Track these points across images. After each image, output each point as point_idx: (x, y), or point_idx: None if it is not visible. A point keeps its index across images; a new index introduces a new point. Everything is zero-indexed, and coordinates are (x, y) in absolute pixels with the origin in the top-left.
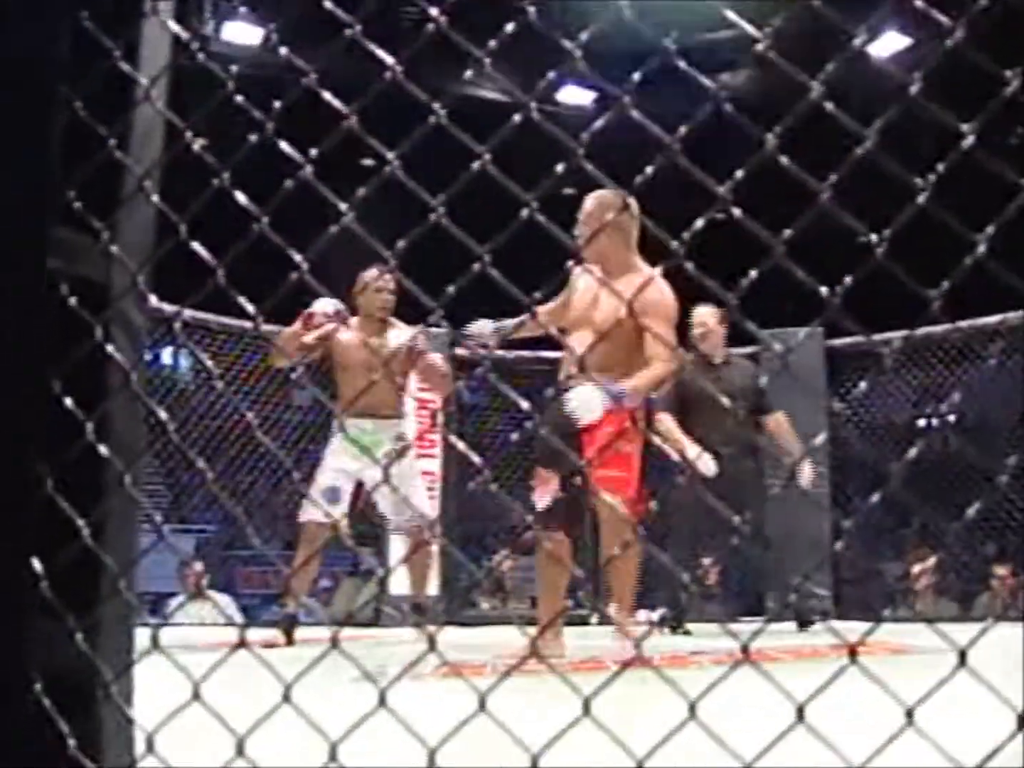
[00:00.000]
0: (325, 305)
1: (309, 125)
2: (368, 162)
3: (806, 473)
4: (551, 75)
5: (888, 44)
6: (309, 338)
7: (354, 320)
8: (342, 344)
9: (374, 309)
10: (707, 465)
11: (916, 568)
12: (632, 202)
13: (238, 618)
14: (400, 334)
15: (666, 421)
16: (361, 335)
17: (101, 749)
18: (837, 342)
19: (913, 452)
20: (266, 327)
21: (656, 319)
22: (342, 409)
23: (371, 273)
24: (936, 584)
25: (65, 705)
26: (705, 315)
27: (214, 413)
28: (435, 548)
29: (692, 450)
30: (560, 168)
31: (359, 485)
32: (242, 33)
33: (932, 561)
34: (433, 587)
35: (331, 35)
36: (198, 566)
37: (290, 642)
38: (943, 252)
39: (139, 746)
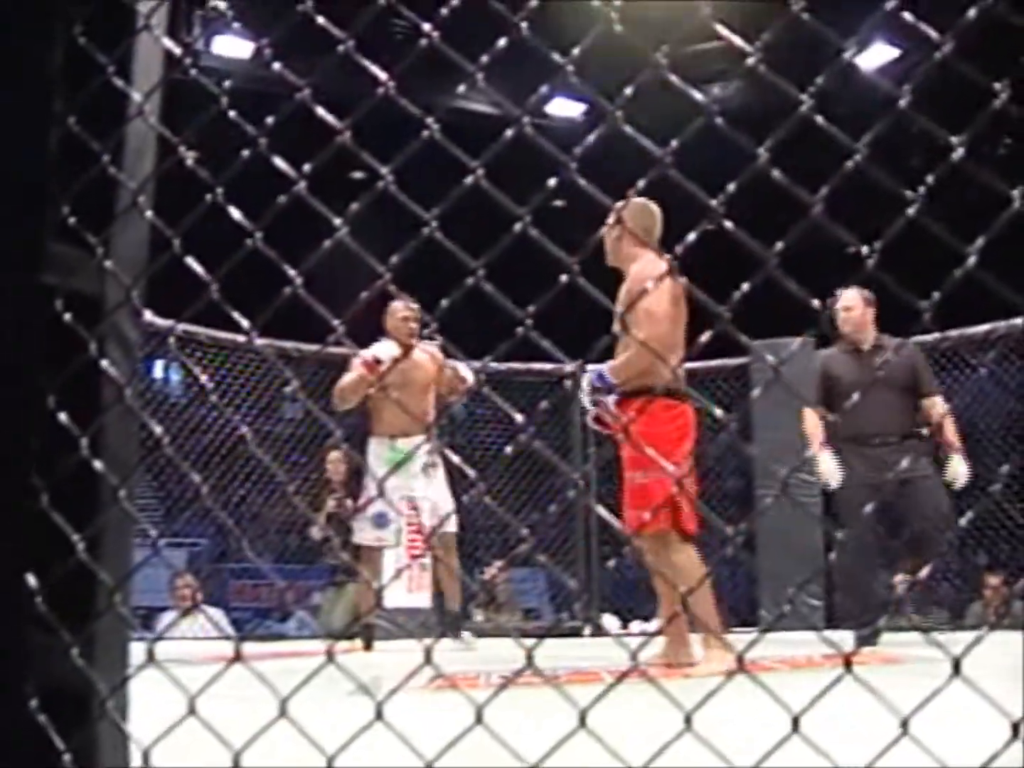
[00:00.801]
0: (382, 351)
1: (299, 136)
2: (359, 175)
3: (962, 472)
4: (543, 90)
5: (876, 55)
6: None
7: (384, 345)
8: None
9: (402, 335)
10: (833, 476)
11: (897, 578)
12: (650, 206)
13: (229, 632)
14: (425, 352)
15: (809, 421)
16: (393, 359)
17: (96, 764)
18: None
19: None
20: (259, 341)
21: (644, 304)
22: (382, 431)
23: (399, 304)
24: (912, 593)
25: (60, 720)
26: (850, 298)
27: (205, 426)
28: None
29: (824, 463)
30: (552, 182)
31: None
32: (232, 47)
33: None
34: (425, 599)
35: (321, 45)
36: (190, 580)
37: (368, 648)
38: (935, 259)
39: (135, 760)
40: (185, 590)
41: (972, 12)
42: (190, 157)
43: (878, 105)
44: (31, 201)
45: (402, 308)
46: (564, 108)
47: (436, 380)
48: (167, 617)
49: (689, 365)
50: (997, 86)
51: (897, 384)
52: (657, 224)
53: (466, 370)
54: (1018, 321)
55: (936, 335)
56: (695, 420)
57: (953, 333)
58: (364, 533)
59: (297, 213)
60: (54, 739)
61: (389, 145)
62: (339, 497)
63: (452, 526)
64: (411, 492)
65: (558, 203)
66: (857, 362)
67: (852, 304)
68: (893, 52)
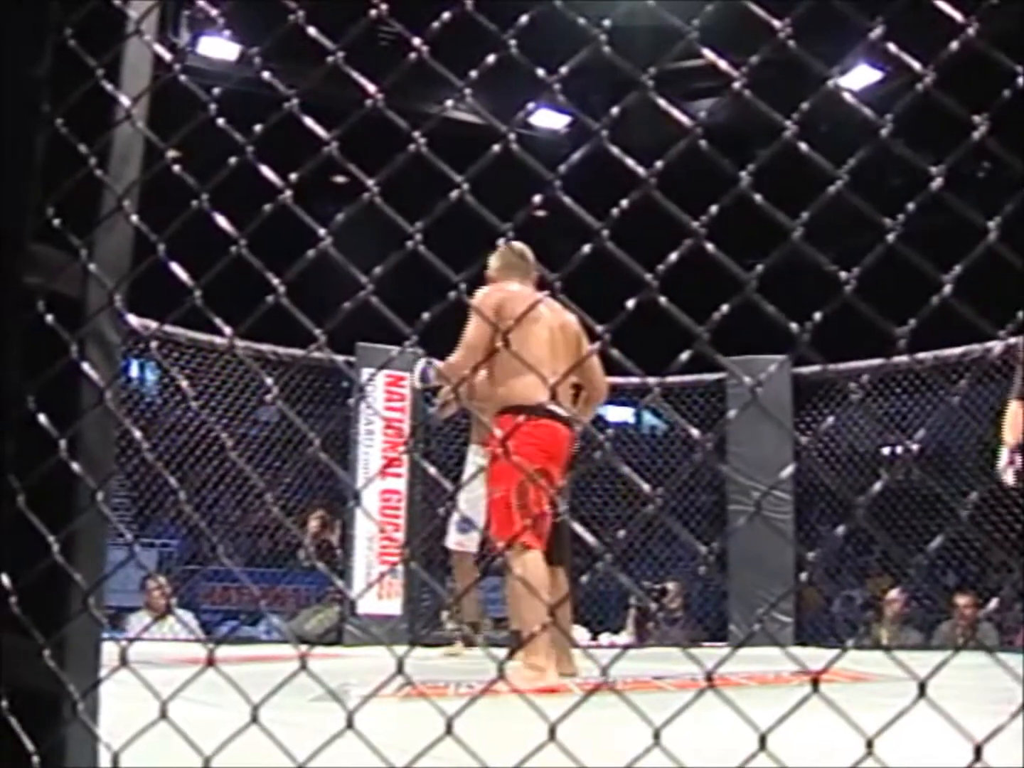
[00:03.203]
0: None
1: (282, 135)
2: (340, 179)
3: None
4: (530, 106)
5: (858, 78)
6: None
7: None
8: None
9: None
10: (1006, 474)
11: (893, 594)
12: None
13: (199, 635)
14: None
15: (1013, 410)
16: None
17: (66, 766)
18: (804, 370)
19: (878, 486)
20: (241, 343)
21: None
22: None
23: None
24: (903, 613)
25: (30, 721)
26: None
27: (180, 427)
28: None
29: (1002, 458)
30: (537, 199)
31: None
32: (218, 48)
33: (896, 593)
34: (396, 606)
35: (306, 48)
36: (162, 582)
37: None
38: (911, 279)
39: (104, 762)
40: (157, 592)
41: (954, 44)
42: (176, 164)
43: (859, 125)
44: (15, 202)
45: None
46: (548, 120)
47: None
48: (136, 617)
49: (671, 379)
50: (976, 119)
51: None
52: (517, 260)
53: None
54: (992, 344)
55: (909, 357)
56: (559, 438)
57: (927, 356)
58: (450, 537)
59: (279, 214)
60: (24, 740)
61: (372, 149)
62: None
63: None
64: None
65: (540, 213)
66: None
67: None
68: (875, 75)
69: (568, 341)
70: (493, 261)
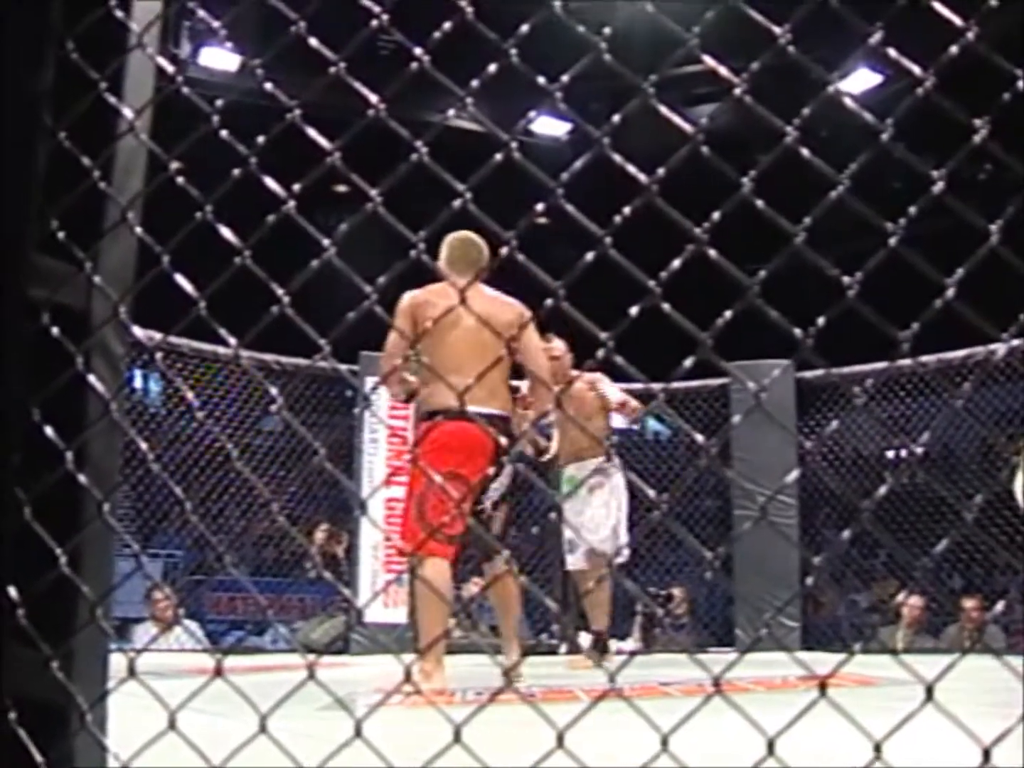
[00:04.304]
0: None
1: (284, 148)
2: (342, 188)
3: None
4: (532, 114)
5: (859, 82)
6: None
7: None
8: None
9: (556, 373)
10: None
11: (913, 600)
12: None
13: (206, 645)
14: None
15: None
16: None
17: None
18: (808, 374)
19: (883, 490)
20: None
21: None
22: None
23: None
24: (921, 619)
25: (39, 732)
26: None
27: (184, 437)
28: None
29: (1018, 481)
30: (540, 206)
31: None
32: (219, 58)
33: (916, 599)
34: (401, 614)
35: (307, 58)
36: (168, 593)
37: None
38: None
39: None
40: (164, 603)
41: (954, 48)
42: (180, 175)
43: (860, 129)
44: (20, 214)
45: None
46: (549, 127)
47: (601, 404)
48: (142, 628)
49: (675, 385)
50: (977, 122)
51: None
52: (464, 252)
53: (614, 392)
54: (995, 347)
55: (912, 361)
56: (469, 436)
57: (930, 359)
58: (567, 559)
59: (281, 224)
60: (32, 752)
61: (374, 158)
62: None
63: (604, 545)
64: (578, 516)
65: (542, 221)
66: None
67: None
68: (876, 78)
69: (497, 336)
70: (442, 252)
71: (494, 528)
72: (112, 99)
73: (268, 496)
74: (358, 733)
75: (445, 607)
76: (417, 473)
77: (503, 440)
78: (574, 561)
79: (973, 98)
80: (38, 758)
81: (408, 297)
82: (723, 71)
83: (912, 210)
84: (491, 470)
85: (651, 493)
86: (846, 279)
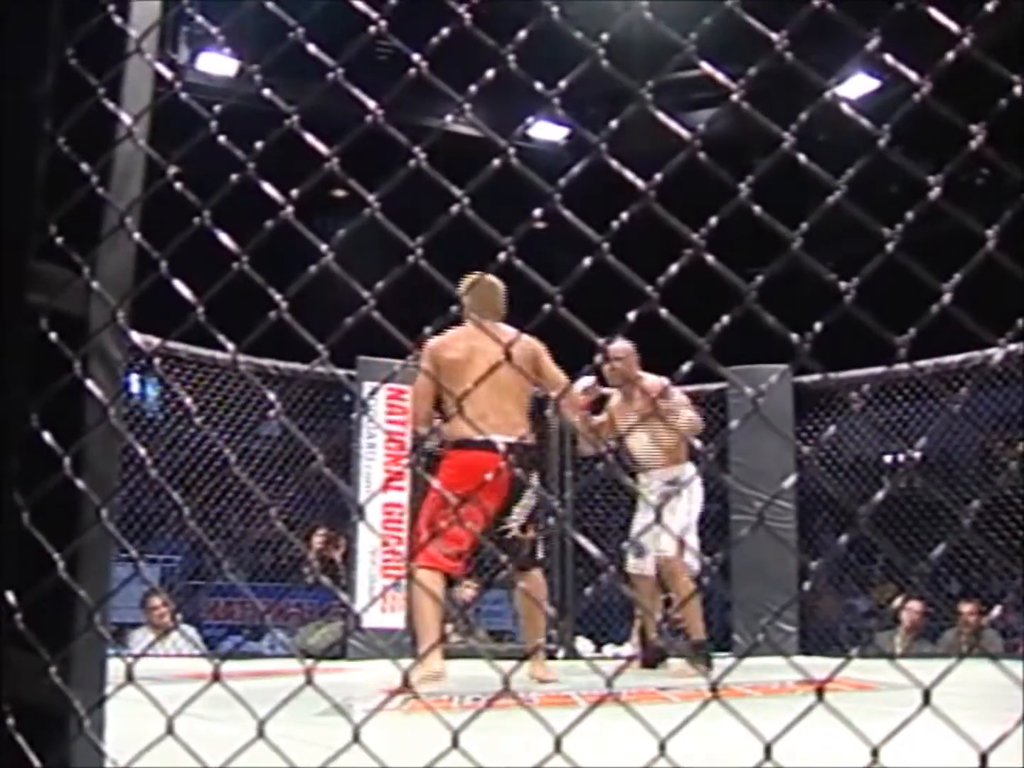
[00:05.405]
0: (586, 381)
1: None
2: (339, 193)
3: None
4: (529, 119)
5: (856, 87)
6: (597, 420)
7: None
8: (614, 411)
9: (614, 377)
10: None
11: (912, 604)
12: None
13: (203, 650)
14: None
15: None
16: (622, 400)
17: None
18: (805, 379)
19: (880, 495)
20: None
21: None
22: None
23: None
24: (920, 624)
25: (37, 738)
26: None
27: (182, 442)
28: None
29: None
30: (537, 212)
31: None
32: (217, 63)
33: (915, 603)
34: (399, 619)
35: (305, 63)
36: (165, 599)
37: (650, 666)
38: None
39: None
40: (161, 609)
41: (950, 54)
42: (178, 181)
43: (858, 134)
44: (18, 220)
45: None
46: (546, 132)
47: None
48: (140, 633)
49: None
50: (973, 128)
51: None
52: (480, 296)
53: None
54: (992, 351)
55: (909, 365)
56: (480, 463)
57: (927, 363)
58: (628, 560)
59: (279, 228)
60: (30, 757)
61: (372, 163)
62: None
63: (675, 551)
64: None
65: (540, 226)
66: None
67: None
68: (873, 83)
69: (514, 369)
70: (467, 293)
71: (523, 547)
72: (110, 105)
73: (266, 501)
74: (356, 738)
75: (437, 609)
76: (431, 498)
77: (520, 467)
78: (641, 566)
79: (970, 103)
80: (36, 763)
81: (429, 344)
82: (720, 76)
83: (909, 215)
84: (509, 494)
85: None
86: (843, 284)
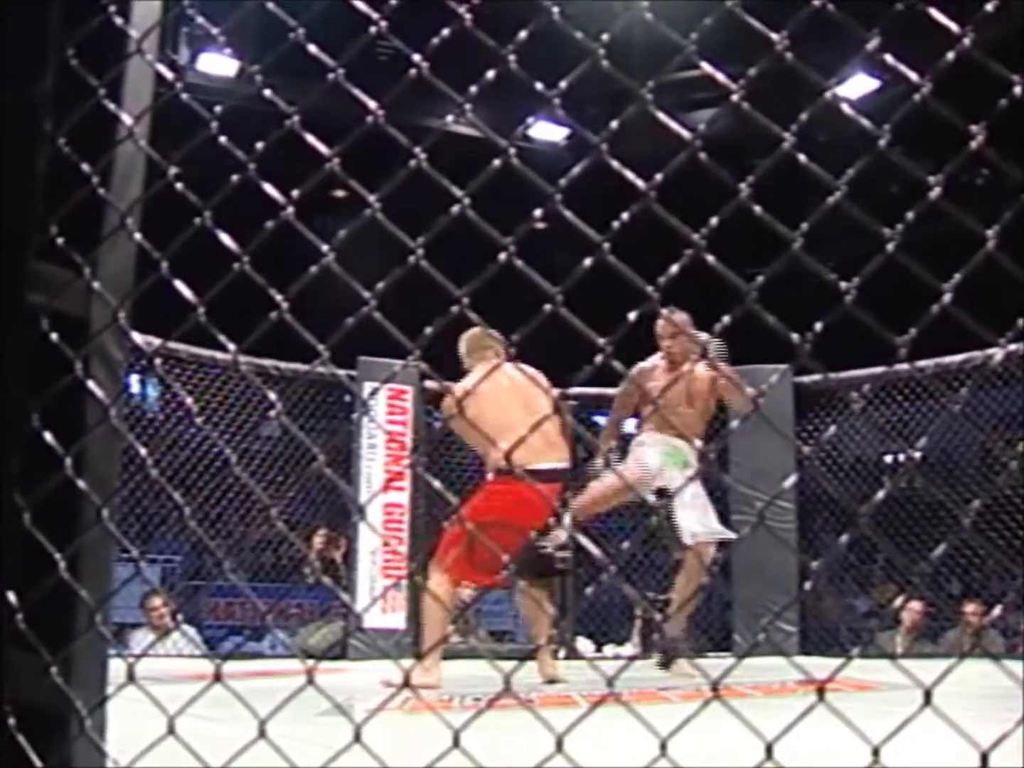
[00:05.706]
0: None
1: (281, 152)
2: (340, 193)
3: None
4: (530, 120)
5: (856, 87)
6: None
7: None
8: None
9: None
10: None
11: (913, 604)
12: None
13: (204, 650)
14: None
15: None
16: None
17: None
18: (806, 379)
19: (881, 494)
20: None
21: None
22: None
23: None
24: (921, 624)
25: (38, 738)
26: None
27: (182, 443)
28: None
29: None
30: (538, 212)
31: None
32: (217, 64)
33: (917, 603)
34: (399, 619)
35: (306, 64)
36: (165, 599)
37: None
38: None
39: None
40: (161, 609)
41: (950, 54)
42: (179, 181)
43: (858, 134)
44: (18, 221)
45: (659, 328)
46: (546, 132)
47: (711, 393)
48: (141, 633)
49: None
50: (973, 128)
51: None
52: (479, 342)
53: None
54: (993, 351)
55: (910, 366)
56: (515, 493)
57: (928, 363)
58: (692, 531)
59: (279, 228)
60: (32, 757)
61: (372, 163)
62: (325, 536)
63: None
64: (666, 482)
65: (540, 226)
66: None
67: None
68: (873, 84)
69: (536, 389)
70: (462, 349)
71: (555, 561)
72: (111, 105)
73: (267, 501)
74: (357, 738)
75: (448, 621)
76: (475, 515)
77: (557, 495)
78: (711, 527)
79: (970, 103)
80: (37, 763)
81: (452, 396)
82: (721, 76)
83: (909, 215)
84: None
85: (650, 498)
86: (843, 284)
